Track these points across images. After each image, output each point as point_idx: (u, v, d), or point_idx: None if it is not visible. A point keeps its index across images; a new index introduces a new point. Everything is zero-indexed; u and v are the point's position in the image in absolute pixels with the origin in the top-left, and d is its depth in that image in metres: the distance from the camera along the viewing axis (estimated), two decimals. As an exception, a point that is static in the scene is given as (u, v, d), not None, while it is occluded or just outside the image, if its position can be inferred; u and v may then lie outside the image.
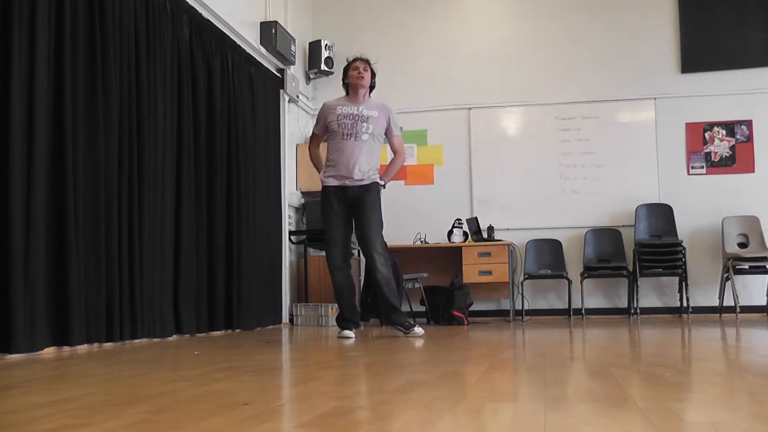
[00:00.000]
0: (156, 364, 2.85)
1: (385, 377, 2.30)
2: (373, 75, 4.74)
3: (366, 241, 4.55)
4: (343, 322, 4.61)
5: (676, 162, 7.12)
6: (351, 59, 4.75)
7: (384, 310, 4.63)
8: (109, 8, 4.05)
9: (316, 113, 7.58)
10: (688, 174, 7.10)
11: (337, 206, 4.58)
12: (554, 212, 7.25)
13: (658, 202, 7.04)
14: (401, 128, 5.00)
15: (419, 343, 3.99)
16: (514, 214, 7.29)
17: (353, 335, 4.48)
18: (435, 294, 6.41)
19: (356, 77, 4.63)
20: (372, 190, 4.61)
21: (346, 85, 4.73)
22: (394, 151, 4.83)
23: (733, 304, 6.50)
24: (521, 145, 7.39)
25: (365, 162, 4.58)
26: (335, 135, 4.62)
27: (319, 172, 4.75)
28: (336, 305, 6.37)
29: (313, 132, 4.89)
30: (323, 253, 7.02)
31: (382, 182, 4.68)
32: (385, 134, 4.72)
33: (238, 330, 5.51)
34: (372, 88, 4.75)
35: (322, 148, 4.84)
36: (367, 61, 4.72)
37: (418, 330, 4.47)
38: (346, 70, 4.74)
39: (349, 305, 4.63)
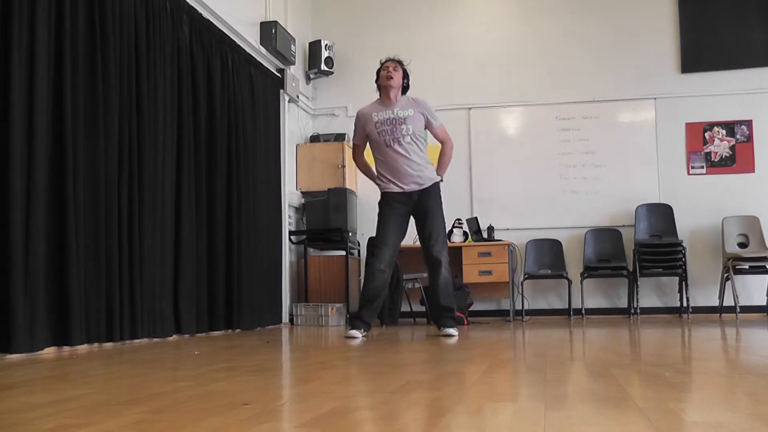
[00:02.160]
0: (156, 364, 2.85)
1: (385, 377, 2.29)
2: (406, 75, 4.67)
3: (431, 246, 4.52)
4: (357, 320, 4.52)
5: (676, 162, 7.12)
6: (384, 60, 4.69)
7: (437, 310, 4.60)
8: (109, 8, 4.05)
9: (316, 113, 7.72)
10: (688, 174, 7.11)
11: (397, 209, 4.54)
12: (554, 212, 7.25)
13: (658, 202, 7.04)
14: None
15: (421, 342, 3.98)
16: (514, 214, 7.29)
17: (360, 336, 4.40)
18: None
19: (385, 77, 4.57)
20: (433, 193, 4.57)
21: (379, 86, 4.67)
22: (441, 141, 4.75)
23: (733, 304, 6.50)
24: (521, 145, 7.39)
25: (416, 163, 4.53)
26: (378, 145, 4.56)
27: (372, 179, 4.71)
28: (337, 305, 6.41)
29: (353, 143, 4.78)
30: (323, 253, 7.06)
31: (439, 177, 4.65)
32: (426, 128, 4.66)
33: (238, 330, 5.51)
34: (406, 89, 4.68)
35: (367, 154, 4.77)
36: (398, 62, 4.66)
37: (452, 331, 4.48)
38: (378, 72, 4.67)
39: (372, 309, 4.55)
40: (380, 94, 4.66)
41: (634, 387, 1.94)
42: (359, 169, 4.86)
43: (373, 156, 4.66)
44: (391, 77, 4.56)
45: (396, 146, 4.51)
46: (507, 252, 6.71)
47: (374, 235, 4.79)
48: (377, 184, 4.66)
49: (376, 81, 4.68)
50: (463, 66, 7.55)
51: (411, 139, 4.53)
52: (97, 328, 3.82)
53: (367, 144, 4.70)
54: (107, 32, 4.03)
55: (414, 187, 4.54)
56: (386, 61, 4.67)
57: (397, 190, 4.55)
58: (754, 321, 6.05)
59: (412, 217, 4.63)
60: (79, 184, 3.72)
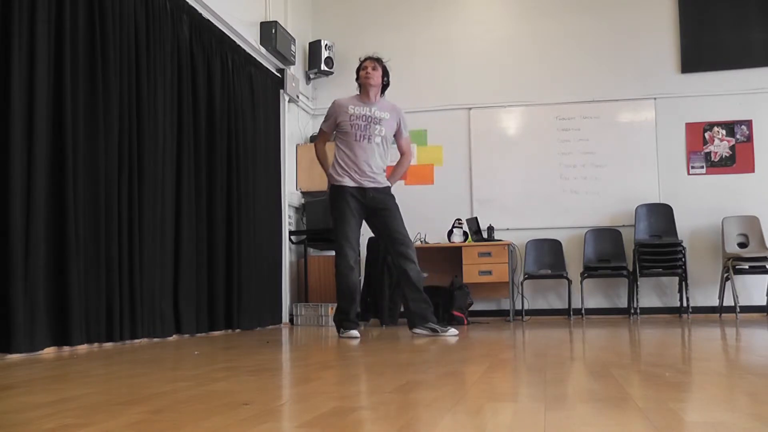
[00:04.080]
0: (156, 364, 2.85)
1: (385, 377, 2.29)
2: (386, 74, 4.69)
3: (400, 243, 4.54)
4: (349, 323, 4.57)
5: (676, 162, 7.12)
6: (363, 58, 4.71)
7: (418, 310, 4.55)
8: (109, 8, 4.05)
9: (316, 113, 7.71)
10: (688, 174, 7.10)
11: (354, 206, 4.55)
12: (554, 212, 7.25)
13: (658, 202, 7.04)
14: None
15: (421, 342, 3.98)
16: (514, 214, 7.29)
17: (359, 335, 4.48)
18: (435, 294, 6.39)
19: (364, 77, 4.61)
20: (389, 193, 4.63)
21: (359, 84, 4.70)
22: (402, 153, 4.81)
23: (733, 304, 6.50)
24: (521, 145, 7.39)
25: (378, 164, 4.58)
26: (347, 136, 4.58)
27: (325, 169, 4.72)
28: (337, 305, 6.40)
29: (321, 129, 4.81)
30: (323, 253, 7.06)
31: (388, 184, 4.68)
32: (394, 135, 4.71)
33: (238, 330, 5.51)
34: (386, 87, 4.72)
35: (328, 146, 4.81)
36: (377, 60, 4.67)
37: (453, 330, 4.48)
38: (357, 70, 4.71)
39: (356, 307, 4.62)
40: (360, 91, 4.70)
41: (634, 387, 1.94)
42: (317, 155, 4.84)
43: (336, 146, 4.66)
44: (370, 76, 4.60)
45: (365, 142, 4.54)
46: (507, 252, 6.71)
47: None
48: (328, 175, 4.66)
49: (357, 80, 4.71)
50: (463, 66, 7.55)
51: (381, 140, 4.58)
52: (97, 328, 3.82)
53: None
54: (107, 32, 4.03)
55: (368, 184, 4.55)
56: (365, 59, 4.70)
57: (351, 184, 4.55)
58: (754, 321, 6.05)
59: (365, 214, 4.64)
60: (79, 184, 3.72)
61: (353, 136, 4.55)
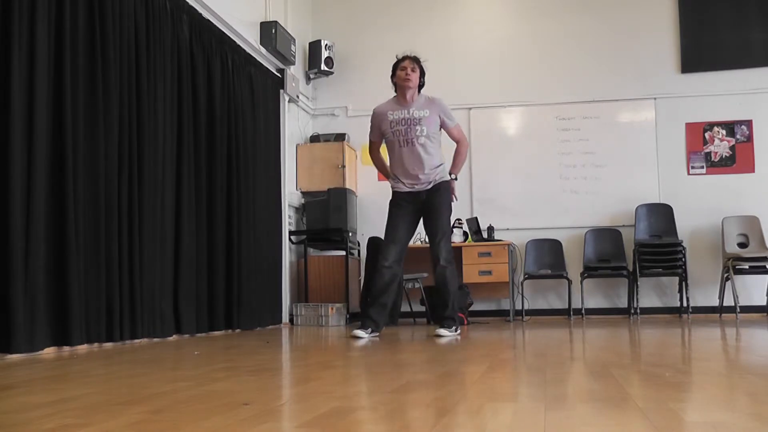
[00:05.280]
0: (156, 364, 2.85)
1: (385, 377, 2.29)
2: (423, 74, 4.60)
3: (435, 244, 4.51)
4: (365, 318, 4.49)
5: (676, 162, 7.12)
6: (400, 56, 4.59)
7: (439, 309, 4.60)
8: (109, 8, 4.05)
9: (316, 113, 7.72)
10: (688, 174, 7.11)
11: (405, 208, 4.55)
12: (554, 212, 7.25)
13: (658, 202, 7.04)
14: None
15: (421, 342, 3.98)
16: (514, 214, 7.29)
17: (366, 336, 4.31)
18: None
19: (403, 78, 4.51)
20: (441, 191, 4.55)
21: (395, 84, 4.60)
22: (456, 141, 4.75)
23: (733, 304, 6.50)
24: (521, 145, 7.39)
25: (428, 165, 4.52)
26: (392, 144, 4.56)
27: (387, 177, 4.71)
28: (337, 305, 6.40)
29: (369, 140, 4.77)
30: (323, 253, 7.06)
31: (453, 176, 4.65)
32: (441, 127, 4.65)
33: (238, 330, 5.51)
34: (421, 86, 4.63)
35: (383, 151, 4.76)
36: (416, 60, 4.57)
37: (448, 333, 4.47)
38: (394, 68, 4.59)
39: (380, 306, 4.49)
40: (396, 93, 4.61)
41: (634, 387, 1.94)
42: (375, 164, 4.86)
43: (388, 154, 4.67)
44: (409, 78, 4.50)
45: (409, 146, 4.50)
46: (507, 252, 6.71)
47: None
48: (391, 185, 4.67)
49: (392, 78, 4.59)
50: (463, 66, 7.55)
51: (425, 139, 4.52)
52: (97, 328, 3.82)
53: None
54: (107, 32, 4.03)
55: (422, 187, 4.54)
56: (404, 59, 4.57)
57: (405, 189, 4.56)
58: (754, 321, 6.05)
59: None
60: (79, 184, 3.72)
61: (397, 143, 4.53)
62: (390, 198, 4.68)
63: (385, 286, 4.49)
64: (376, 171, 6.19)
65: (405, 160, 4.52)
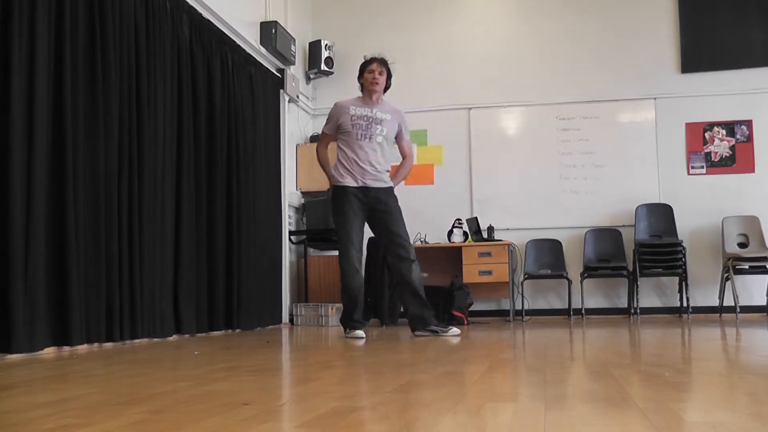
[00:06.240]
0: (156, 364, 2.85)
1: (385, 377, 2.29)
2: (389, 76, 4.64)
3: (399, 245, 4.51)
4: (354, 323, 4.55)
5: (676, 162, 7.12)
6: (368, 58, 4.64)
7: (419, 312, 4.52)
8: (109, 8, 4.05)
9: (316, 113, 7.71)
10: (688, 174, 7.10)
11: (356, 206, 4.50)
12: (554, 212, 7.25)
13: (658, 202, 7.04)
14: None
15: (421, 342, 3.98)
16: (514, 214, 7.29)
17: (364, 335, 4.46)
18: (435, 294, 6.40)
19: (371, 81, 4.55)
20: (392, 192, 4.60)
21: (362, 84, 4.65)
22: (403, 156, 4.79)
23: (733, 304, 6.50)
24: (521, 145, 7.39)
25: (381, 162, 4.55)
26: (349, 135, 4.54)
27: (327, 172, 4.68)
28: (337, 305, 6.40)
29: (323, 132, 4.76)
30: (323, 253, 7.06)
31: (391, 184, 4.66)
32: (395, 138, 4.69)
33: (238, 330, 5.51)
34: (386, 88, 4.67)
35: (331, 148, 4.76)
36: (384, 63, 4.61)
37: (455, 329, 4.48)
38: (362, 69, 4.63)
39: (361, 307, 4.58)
40: (362, 93, 4.66)
41: (634, 387, 1.94)
42: (318, 158, 4.77)
43: (338, 147, 4.63)
44: (377, 81, 4.56)
45: (366, 141, 4.52)
46: (507, 252, 6.71)
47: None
48: (330, 176, 4.62)
49: (359, 79, 4.65)
50: (463, 66, 7.55)
51: (383, 140, 4.56)
52: (97, 328, 3.82)
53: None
54: (107, 32, 4.03)
55: (371, 183, 4.53)
56: (372, 61, 4.62)
57: (353, 184, 4.51)
58: (754, 321, 6.05)
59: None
60: (79, 183, 3.72)
61: (355, 136, 4.52)
62: (332, 194, 4.61)
63: (359, 288, 4.55)
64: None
65: (360, 152, 4.50)
